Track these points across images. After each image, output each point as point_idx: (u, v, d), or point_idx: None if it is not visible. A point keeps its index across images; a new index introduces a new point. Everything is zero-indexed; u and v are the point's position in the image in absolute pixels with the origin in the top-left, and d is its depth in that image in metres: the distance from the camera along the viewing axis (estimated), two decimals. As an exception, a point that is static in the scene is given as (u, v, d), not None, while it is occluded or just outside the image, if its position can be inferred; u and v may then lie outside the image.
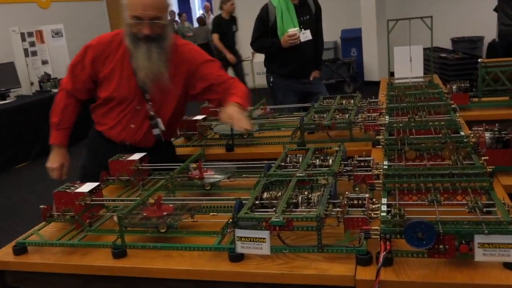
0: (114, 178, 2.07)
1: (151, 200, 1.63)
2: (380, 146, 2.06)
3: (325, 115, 2.57)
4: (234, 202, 1.63)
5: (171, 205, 1.68)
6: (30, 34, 7.25)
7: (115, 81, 2.29)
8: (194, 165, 1.98)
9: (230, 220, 1.42)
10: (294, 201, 1.49)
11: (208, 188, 1.93)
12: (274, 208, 1.41)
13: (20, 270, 1.59)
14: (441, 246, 1.25)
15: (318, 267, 1.35)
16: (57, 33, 7.55)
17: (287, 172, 1.75)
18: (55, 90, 7.00)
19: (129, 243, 1.53)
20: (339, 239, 1.46)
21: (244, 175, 1.99)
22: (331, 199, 1.50)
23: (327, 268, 1.34)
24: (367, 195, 1.48)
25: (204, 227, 1.62)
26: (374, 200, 1.49)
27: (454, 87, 2.89)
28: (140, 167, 2.07)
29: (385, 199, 1.49)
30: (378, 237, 1.33)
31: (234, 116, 2.11)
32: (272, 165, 1.84)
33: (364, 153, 1.84)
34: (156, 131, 2.33)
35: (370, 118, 2.45)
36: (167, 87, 2.27)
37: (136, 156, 2.12)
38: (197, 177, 1.97)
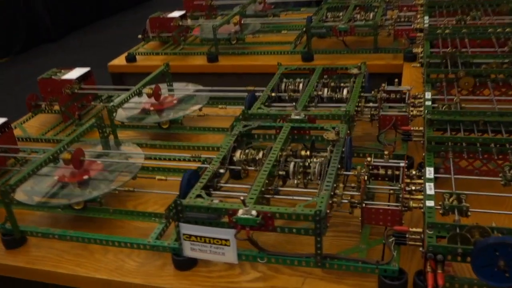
0: (45, 103, 1.50)
1: (66, 155, 1.06)
2: (418, 65, 1.43)
3: (341, 14, 1.89)
4: (202, 149, 1.08)
5: (99, 162, 1.11)
6: None
7: None
8: (149, 89, 1.38)
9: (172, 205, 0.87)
10: (281, 172, 0.92)
11: (166, 126, 1.35)
12: (247, 191, 0.83)
13: None
14: (536, 281, 0.69)
15: (315, 292, 0.81)
16: None
17: (277, 111, 1.15)
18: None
19: (26, 228, 0.99)
20: (351, 236, 0.91)
21: (220, 106, 1.40)
22: (342, 170, 0.92)
23: (329, 295, 0.81)
24: (402, 164, 0.90)
25: (148, 201, 1.08)
26: (413, 172, 0.90)
27: (517, -25, 2.14)
28: (77, 90, 1.47)
29: (431, 170, 0.90)
30: (419, 244, 0.78)
31: None
32: (258, 95, 1.24)
33: (396, 82, 1.22)
34: None
35: (402, 20, 1.78)
36: None
37: (74, 74, 1.52)
38: (152, 109, 1.38)
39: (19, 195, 1.01)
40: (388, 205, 0.84)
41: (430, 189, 0.85)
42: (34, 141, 1.37)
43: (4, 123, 1.25)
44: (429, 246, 0.72)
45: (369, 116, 1.17)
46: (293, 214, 0.77)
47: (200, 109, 1.40)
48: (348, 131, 1.02)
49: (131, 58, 2.02)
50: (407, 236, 0.79)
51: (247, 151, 0.98)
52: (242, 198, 0.78)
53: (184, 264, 0.88)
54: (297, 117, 1.08)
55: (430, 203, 0.81)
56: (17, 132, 1.43)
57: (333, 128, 1.00)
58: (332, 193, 0.83)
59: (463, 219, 0.79)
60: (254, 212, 0.78)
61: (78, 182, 1.05)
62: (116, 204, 1.08)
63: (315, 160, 0.92)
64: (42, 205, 1.01)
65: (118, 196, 1.08)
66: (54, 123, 1.50)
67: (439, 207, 0.81)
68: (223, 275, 0.87)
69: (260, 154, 0.97)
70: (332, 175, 0.86)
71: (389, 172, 0.91)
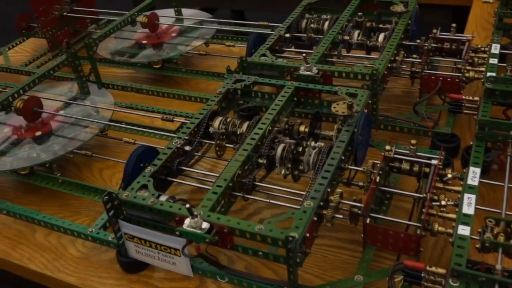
0: (37, 25, 1.29)
1: (17, 104, 0.86)
2: (491, 0, 1.08)
3: None
4: (195, 100, 0.86)
5: (60, 112, 0.91)
6: None
7: None
8: (143, 17, 1.13)
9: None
10: (261, 161, 0.67)
11: (158, 67, 1.12)
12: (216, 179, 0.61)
13: None
14: None
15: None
16: None
17: (286, 61, 0.88)
18: None
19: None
20: (352, 250, 0.68)
21: (227, 43, 1.13)
22: (346, 163, 0.67)
23: None
24: (435, 161, 0.63)
25: (116, 165, 0.88)
26: (449, 174, 0.63)
27: None
28: (67, 13, 1.25)
29: (476, 172, 0.63)
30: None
31: None
32: (266, 35, 0.97)
33: (454, 28, 0.90)
34: None
35: None
36: None
37: (69, -9, 1.28)
38: (145, 42, 1.14)
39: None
40: (403, 224, 0.59)
41: (468, 205, 0.59)
42: (14, 73, 1.18)
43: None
44: (448, 312, 0.47)
45: (409, 72, 0.88)
46: (258, 234, 0.55)
47: (206, 45, 1.15)
48: (370, 101, 0.75)
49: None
50: (423, 275, 0.55)
51: (229, 119, 0.74)
52: (187, 206, 0.55)
53: (130, 266, 0.69)
54: (306, 72, 0.81)
55: (464, 230, 0.56)
56: (-1, 59, 1.26)
57: (349, 95, 0.73)
58: (321, 203, 0.59)
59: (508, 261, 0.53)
60: (205, 225, 0.56)
61: (32, 139, 0.86)
62: (80, 165, 0.90)
63: (313, 144, 0.67)
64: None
65: (85, 154, 0.88)
66: (45, 50, 1.30)
67: (477, 237, 0.55)
68: (176, 286, 0.67)
69: (245, 126, 0.72)
70: (329, 172, 0.61)
71: (415, 168, 0.65)
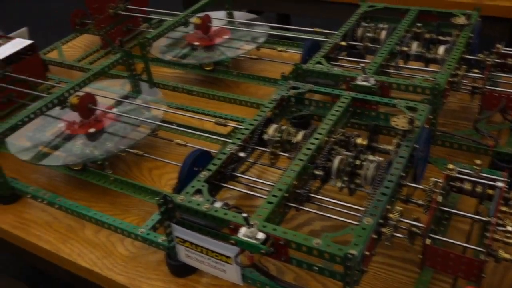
0: (91, 22, 1.31)
1: (73, 100, 0.88)
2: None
3: None
4: (245, 104, 0.86)
5: (113, 110, 0.92)
6: None
7: None
8: (197, 19, 1.14)
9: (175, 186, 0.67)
10: (318, 172, 0.66)
11: (209, 69, 1.11)
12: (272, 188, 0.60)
13: None
14: None
15: None
16: None
17: (342, 70, 0.86)
18: None
19: (17, 184, 0.84)
20: (407, 270, 0.66)
21: (279, 48, 1.12)
22: (405, 180, 0.65)
23: None
24: (501, 184, 0.61)
25: (166, 166, 0.88)
26: (515, 197, 0.61)
27: None
28: (121, 11, 1.26)
29: (546, 197, 0.60)
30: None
31: None
32: (322, 42, 0.96)
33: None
34: None
35: None
36: None
37: (123, -10, 1.30)
38: (197, 44, 1.14)
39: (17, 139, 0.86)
40: (465, 247, 0.57)
41: (537, 232, 0.56)
42: (68, 68, 1.20)
43: (28, 45, 1.09)
44: None
45: (470, 88, 0.85)
46: (315, 249, 0.53)
47: (257, 49, 1.14)
48: (431, 116, 0.73)
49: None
50: (485, 303, 0.53)
51: (283, 127, 0.73)
52: (244, 215, 0.55)
53: (178, 270, 0.69)
54: (363, 83, 0.79)
55: (532, 259, 0.53)
56: (53, 54, 1.28)
57: (408, 109, 0.71)
58: (381, 221, 0.57)
59: None
60: (260, 236, 0.55)
61: (85, 135, 0.87)
62: (131, 164, 0.90)
63: (371, 157, 0.65)
64: (36, 161, 0.84)
65: (136, 153, 0.89)
66: (97, 47, 1.32)
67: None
68: (224, 294, 0.66)
69: (300, 136, 0.71)
70: (389, 189, 0.59)
71: (478, 189, 0.63)
